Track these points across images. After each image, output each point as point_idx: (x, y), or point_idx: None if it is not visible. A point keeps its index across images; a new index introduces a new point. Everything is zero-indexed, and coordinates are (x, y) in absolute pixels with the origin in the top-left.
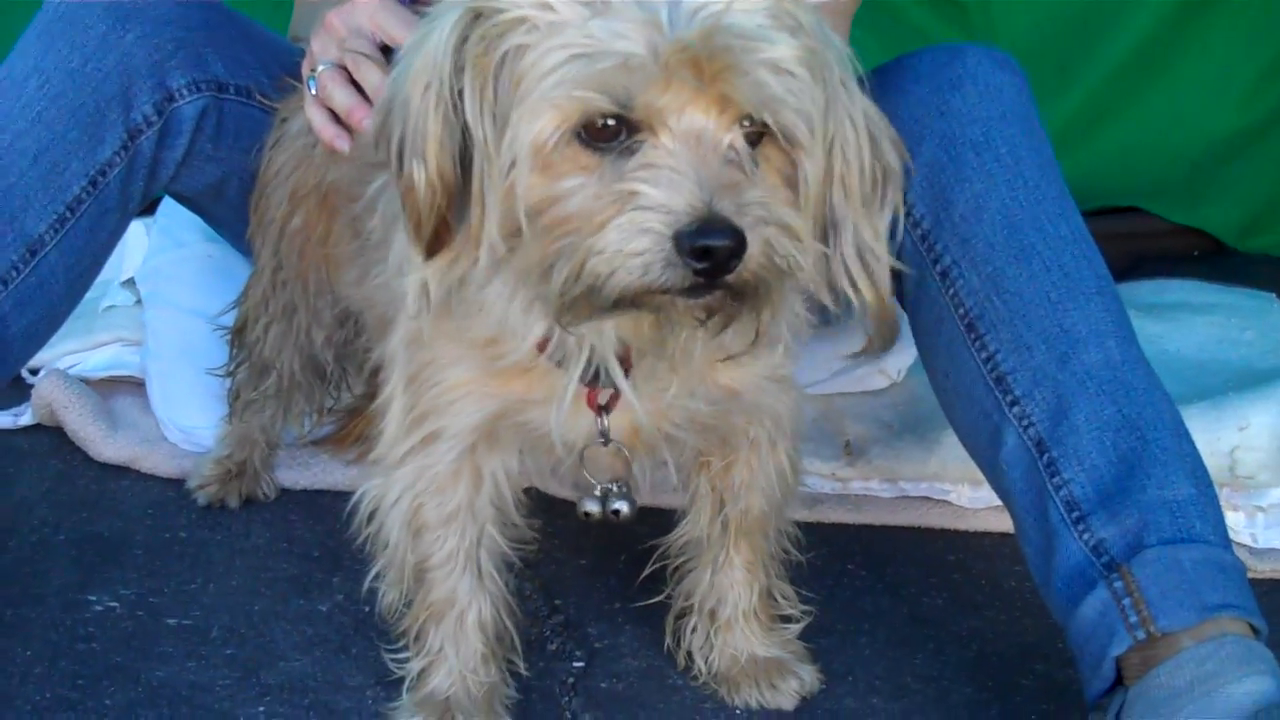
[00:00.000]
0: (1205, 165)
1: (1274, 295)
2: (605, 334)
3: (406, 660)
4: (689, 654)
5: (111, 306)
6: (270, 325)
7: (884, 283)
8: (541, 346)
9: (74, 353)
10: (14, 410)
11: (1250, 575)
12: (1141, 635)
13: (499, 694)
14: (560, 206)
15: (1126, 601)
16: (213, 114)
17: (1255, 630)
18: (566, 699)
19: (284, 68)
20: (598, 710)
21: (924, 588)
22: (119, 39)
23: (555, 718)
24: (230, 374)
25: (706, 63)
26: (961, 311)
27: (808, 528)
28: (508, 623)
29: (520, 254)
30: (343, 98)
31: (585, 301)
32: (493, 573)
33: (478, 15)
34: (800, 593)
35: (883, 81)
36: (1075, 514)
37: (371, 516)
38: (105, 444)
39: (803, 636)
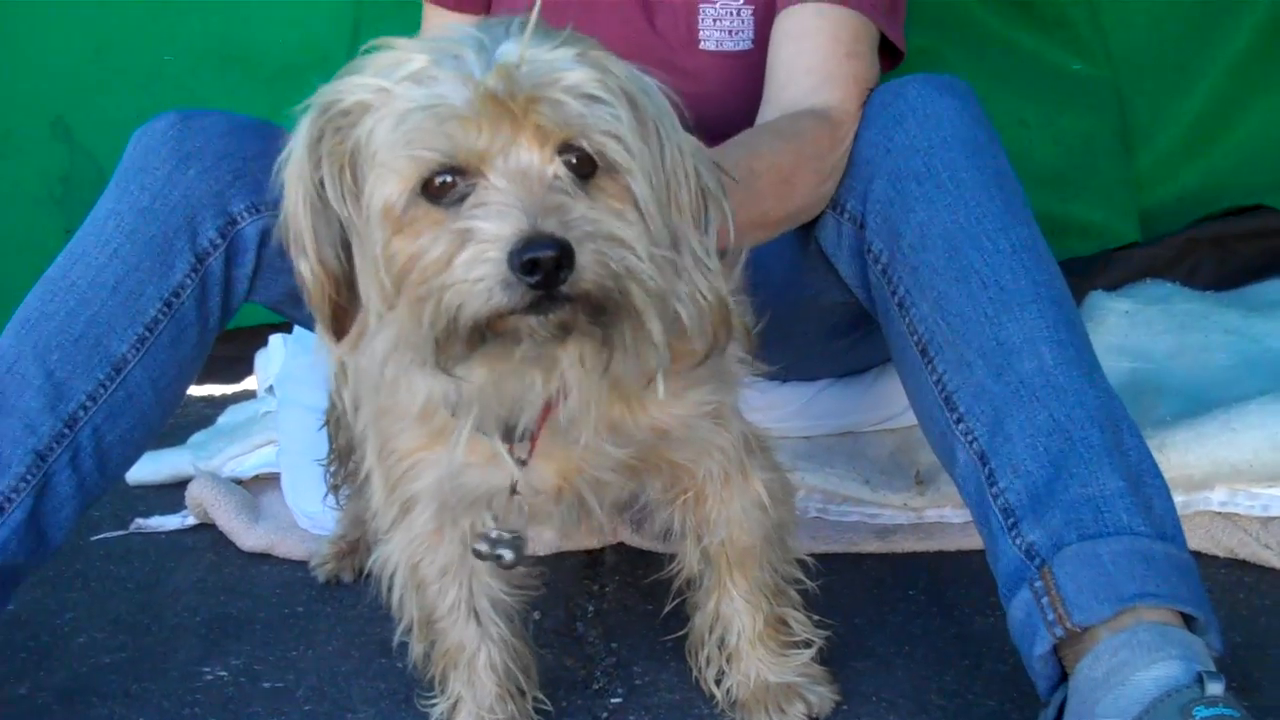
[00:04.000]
0: None
1: None
2: (534, 388)
3: (436, 704)
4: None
5: (269, 412)
6: (343, 415)
7: (719, 288)
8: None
9: (235, 457)
10: (182, 513)
11: None
12: (1060, 632)
13: None
14: (420, 261)
15: (1045, 600)
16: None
17: (1188, 618)
18: None
19: None
20: None
21: (981, 608)
22: (182, 176)
23: None
24: (329, 462)
25: (512, 100)
26: (916, 338)
27: (880, 559)
28: (511, 666)
29: (397, 317)
30: None
31: (450, 338)
32: (494, 619)
33: (326, 109)
34: (831, 622)
35: None
36: (1010, 520)
37: (387, 580)
38: (248, 534)
39: (840, 661)
